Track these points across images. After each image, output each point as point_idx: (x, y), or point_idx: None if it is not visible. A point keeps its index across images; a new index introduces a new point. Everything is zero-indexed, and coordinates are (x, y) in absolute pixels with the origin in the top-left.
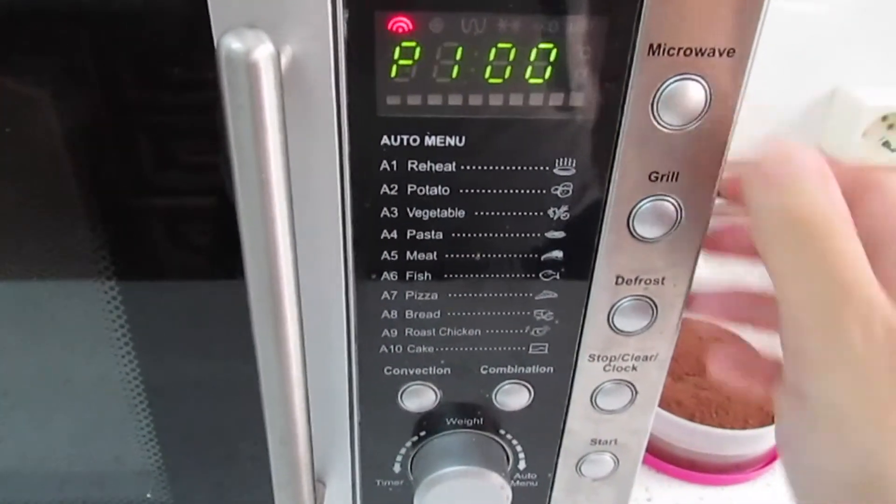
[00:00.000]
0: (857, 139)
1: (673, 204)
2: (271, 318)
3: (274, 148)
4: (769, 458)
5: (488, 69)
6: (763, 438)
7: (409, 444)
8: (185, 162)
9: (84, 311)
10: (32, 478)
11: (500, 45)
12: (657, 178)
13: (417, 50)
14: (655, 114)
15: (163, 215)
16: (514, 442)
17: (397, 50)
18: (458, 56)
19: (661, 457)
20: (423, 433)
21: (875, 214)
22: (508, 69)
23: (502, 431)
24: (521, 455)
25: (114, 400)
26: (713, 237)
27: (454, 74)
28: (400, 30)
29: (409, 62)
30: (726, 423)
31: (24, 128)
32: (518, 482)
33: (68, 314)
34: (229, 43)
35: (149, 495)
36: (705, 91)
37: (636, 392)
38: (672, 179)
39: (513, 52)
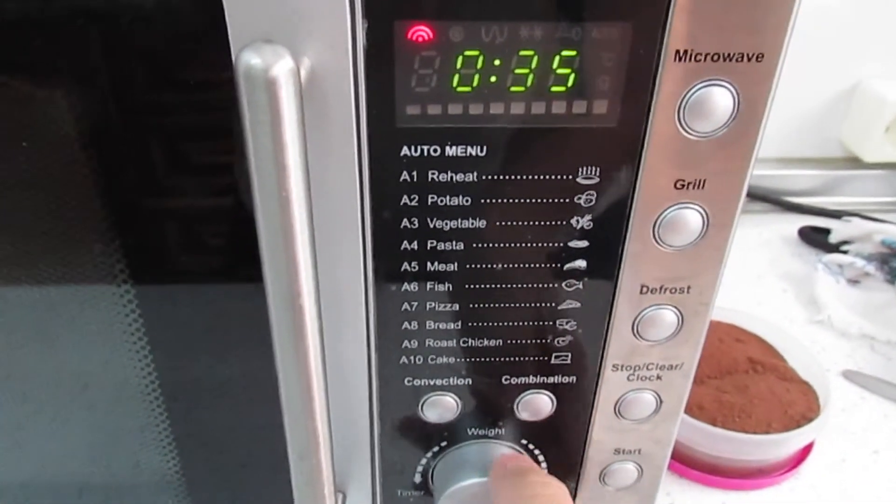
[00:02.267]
0: (880, 135)
1: (699, 212)
2: (292, 333)
3: (294, 163)
4: (793, 463)
5: (510, 77)
6: (786, 443)
7: (429, 454)
8: (200, 164)
9: (101, 317)
10: (51, 485)
11: (521, 53)
12: (683, 185)
13: (437, 59)
14: (682, 121)
15: (178, 218)
16: (537, 452)
17: (417, 59)
18: (479, 65)
19: (684, 461)
20: (443, 443)
21: None
22: (530, 77)
23: (524, 441)
24: (544, 465)
25: (132, 406)
26: None
27: (475, 83)
28: (420, 39)
29: (429, 71)
30: (749, 427)
31: (38, 134)
32: None
33: (86, 320)
34: (248, 59)
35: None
36: (733, 97)
37: (661, 401)
38: (698, 187)
39: (535, 59)
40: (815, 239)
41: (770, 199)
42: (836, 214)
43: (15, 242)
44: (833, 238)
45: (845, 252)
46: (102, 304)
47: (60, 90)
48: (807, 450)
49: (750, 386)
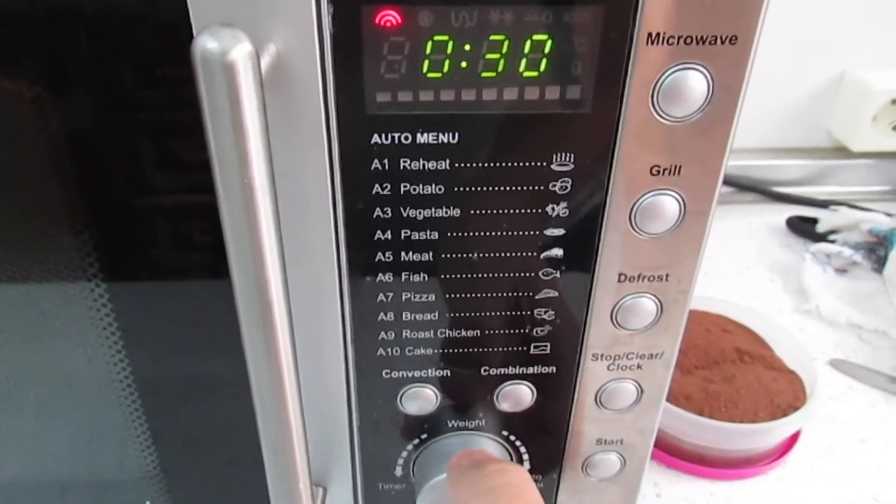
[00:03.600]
0: (867, 124)
1: (676, 198)
2: (260, 325)
3: (256, 151)
4: (780, 452)
5: (481, 63)
6: (773, 432)
7: (410, 447)
8: (173, 160)
9: (75, 316)
10: (35, 484)
11: (492, 38)
12: (659, 171)
13: (407, 45)
14: (656, 105)
15: (149, 214)
16: (518, 443)
17: (385, 45)
18: (449, 50)
19: (671, 451)
20: (424, 436)
21: None
22: (502, 62)
23: (505, 433)
24: (525, 457)
25: (111, 405)
26: None
27: (446, 69)
28: (388, 24)
29: (399, 58)
30: (736, 416)
31: (10, 132)
32: None
33: (63, 318)
34: (204, 43)
35: (148, 502)
36: (707, 80)
37: (642, 391)
38: (674, 173)
39: (506, 44)
40: (803, 228)
41: (758, 190)
42: (823, 204)
43: None
44: (821, 227)
45: (833, 241)
46: (77, 302)
47: (31, 86)
48: (794, 439)
49: (737, 375)
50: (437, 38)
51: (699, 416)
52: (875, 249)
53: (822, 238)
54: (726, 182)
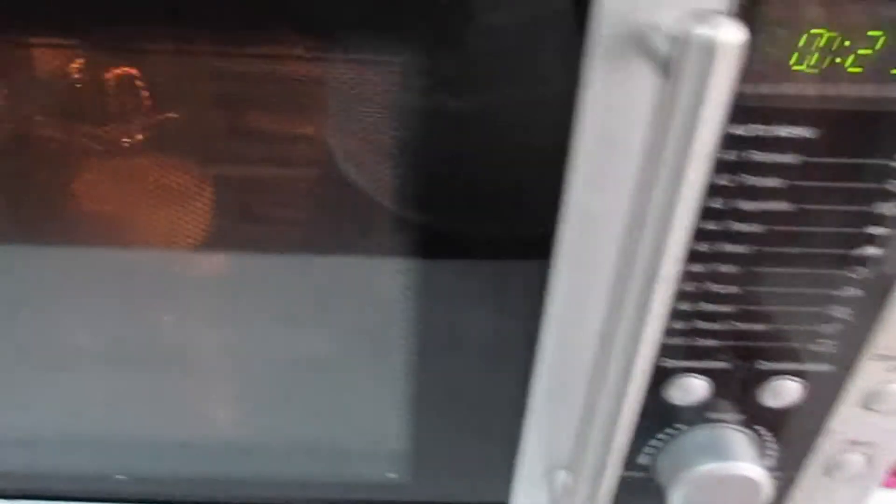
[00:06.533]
0: None
1: None
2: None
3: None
4: None
5: (851, 59)
6: None
7: (661, 435)
8: None
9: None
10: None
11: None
12: None
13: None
14: None
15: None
16: (768, 438)
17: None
18: (823, 42)
19: None
20: (677, 425)
21: None
22: (873, 58)
23: (757, 427)
24: (772, 452)
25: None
26: None
27: (813, 62)
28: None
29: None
30: None
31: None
32: None
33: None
34: (696, 29)
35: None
36: None
37: None
38: None
39: (881, 40)
40: None
41: None
42: None
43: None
44: None
45: None
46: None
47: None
48: None
49: None
50: (813, 31)
51: None
52: None
53: None
54: None
